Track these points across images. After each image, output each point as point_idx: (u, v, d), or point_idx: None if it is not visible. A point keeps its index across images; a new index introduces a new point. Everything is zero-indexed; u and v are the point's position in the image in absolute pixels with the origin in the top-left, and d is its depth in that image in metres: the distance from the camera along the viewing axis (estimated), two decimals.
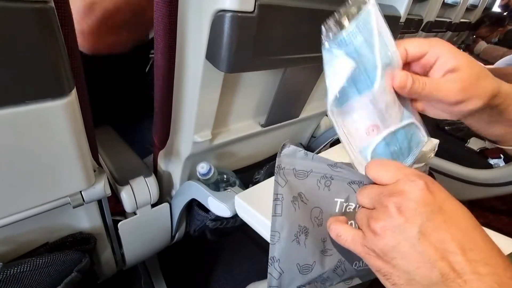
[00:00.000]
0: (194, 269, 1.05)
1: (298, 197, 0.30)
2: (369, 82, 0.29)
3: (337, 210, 0.30)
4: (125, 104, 0.80)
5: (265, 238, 0.37)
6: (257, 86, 0.53)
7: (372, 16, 0.28)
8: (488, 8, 2.08)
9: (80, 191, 0.35)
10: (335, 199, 0.30)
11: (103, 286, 0.69)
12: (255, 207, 0.39)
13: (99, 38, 0.53)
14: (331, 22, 0.28)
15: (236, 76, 0.47)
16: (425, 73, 0.31)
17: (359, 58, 0.28)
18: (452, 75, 0.28)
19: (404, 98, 0.32)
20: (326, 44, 0.28)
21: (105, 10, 0.50)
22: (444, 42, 0.30)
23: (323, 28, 0.28)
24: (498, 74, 1.30)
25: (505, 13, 2.15)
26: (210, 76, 0.40)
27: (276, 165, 0.30)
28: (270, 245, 0.29)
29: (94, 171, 0.40)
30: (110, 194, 0.40)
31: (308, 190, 0.30)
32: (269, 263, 0.29)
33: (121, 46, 0.60)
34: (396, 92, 0.30)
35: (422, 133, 0.34)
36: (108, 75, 0.68)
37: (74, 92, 0.26)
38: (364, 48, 0.28)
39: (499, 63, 1.40)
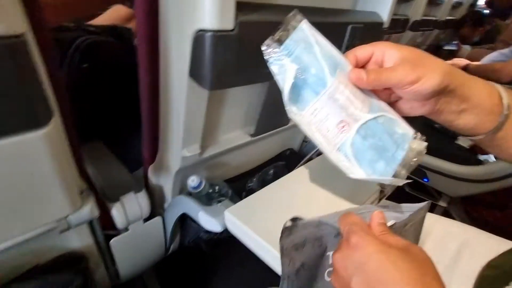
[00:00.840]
0: (192, 279, 1.05)
1: (301, 268, 0.32)
2: (322, 82, 0.32)
3: (330, 263, 0.32)
4: (115, 118, 0.80)
5: (254, 252, 0.37)
6: (244, 97, 0.54)
7: (306, 31, 0.32)
8: (473, 5, 2.11)
9: (66, 216, 0.35)
10: (327, 254, 0.32)
11: None
12: (244, 221, 0.39)
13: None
14: (269, 40, 0.32)
15: (223, 90, 0.47)
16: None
17: (304, 64, 0.32)
18: (400, 60, 0.31)
19: (371, 94, 0.34)
20: (270, 59, 0.32)
21: None
22: (385, 41, 0.33)
23: (263, 47, 0.32)
24: (486, 70, 1.32)
25: (489, 10, 2.19)
26: (195, 92, 0.40)
27: (280, 248, 0.32)
28: None
29: (82, 192, 0.39)
30: (98, 216, 0.40)
31: (308, 257, 0.32)
32: None
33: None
34: (361, 89, 0.33)
35: (403, 126, 0.34)
36: (98, 90, 0.68)
37: (54, 120, 0.26)
38: (305, 55, 0.32)
39: (485, 60, 1.43)
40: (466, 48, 1.82)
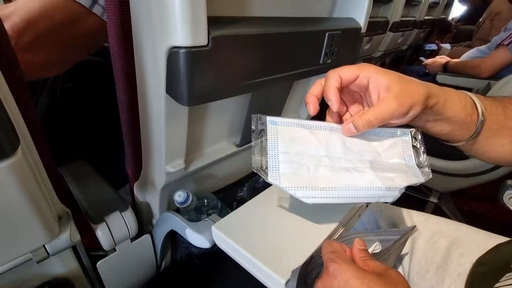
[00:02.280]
0: None
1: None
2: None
3: None
4: (100, 137, 0.78)
5: (244, 267, 0.37)
6: (227, 109, 0.53)
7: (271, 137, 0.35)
8: (448, 4, 2.18)
9: (44, 245, 0.33)
10: None
11: None
12: (232, 237, 0.38)
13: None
14: (258, 167, 0.33)
15: (203, 105, 0.47)
16: (361, 91, 0.36)
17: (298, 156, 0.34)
18: (387, 93, 0.32)
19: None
20: (267, 178, 0.33)
21: (14, 23, 0.44)
22: (371, 65, 0.34)
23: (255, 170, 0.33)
24: (465, 66, 1.36)
25: (463, 9, 2.29)
26: (174, 109, 0.39)
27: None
28: None
29: (61, 217, 0.38)
30: (79, 240, 0.39)
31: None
32: None
33: (42, 67, 0.51)
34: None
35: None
36: (83, 109, 0.67)
37: (20, 149, 0.25)
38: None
39: (464, 57, 1.47)
40: (446, 47, 1.88)
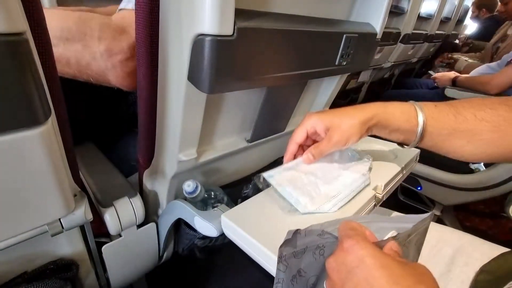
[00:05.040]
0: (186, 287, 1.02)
1: (297, 274, 0.32)
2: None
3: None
4: (107, 120, 0.79)
5: (252, 257, 0.37)
6: (241, 103, 0.54)
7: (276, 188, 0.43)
8: (460, 21, 2.20)
9: (59, 219, 0.34)
10: None
11: None
12: (241, 226, 0.39)
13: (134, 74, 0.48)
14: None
15: (220, 95, 0.48)
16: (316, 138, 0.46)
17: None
18: (329, 132, 0.43)
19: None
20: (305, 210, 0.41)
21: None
22: (313, 114, 0.44)
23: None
24: (474, 82, 1.36)
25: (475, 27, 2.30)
26: (193, 96, 0.40)
27: (278, 255, 0.32)
28: None
29: (75, 195, 0.39)
30: (92, 219, 0.39)
31: (306, 264, 0.32)
32: None
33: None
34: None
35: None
36: (90, 92, 0.67)
37: (50, 119, 0.26)
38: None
39: (473, 73, 1.48)
40: (462, 61, 1.88)
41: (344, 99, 1.51)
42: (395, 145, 0.62)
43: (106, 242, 0.54)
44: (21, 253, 0.42)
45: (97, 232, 0.55)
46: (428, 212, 0.32)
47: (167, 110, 0.44)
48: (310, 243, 0.32)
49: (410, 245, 0.31)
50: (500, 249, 0.49)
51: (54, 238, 0.45)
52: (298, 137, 0.44)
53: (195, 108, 0.42)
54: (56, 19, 0.42)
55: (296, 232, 0.32)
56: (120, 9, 0.45)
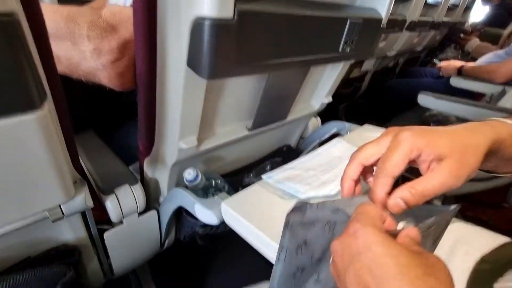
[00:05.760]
0: (186, 275, 1.04)
1: (302, 244, 0.31)
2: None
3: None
4: (108, 108, 0.79)
5: (251, 244, 0.37)
6: (243, 90, 0.53)
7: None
8: (468, 8, 2.13)
9: (59, 205, 0.34)
10: None
11: None
12: (242, 213, 0.39)
13: (130, 74, 0.46)
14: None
15: (220, 81, 0.47)
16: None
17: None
18: (439, 165, 0.27)
19: None
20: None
21: (129, 43, 0.42)
22: (405, 130, 0.29)
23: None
24: (480, 71, 1.33)
25: (485, 13, 2.23)
26: (193, 82, 0.39)
27: (285, 222, 0.31)
28: (270, 279, 0.31)
29: (75, 182, 0.39)
30: (92, 206, 0.39)
31: (313, 237, 0.31)
32: None
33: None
34: None
35: None
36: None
37: (47, 104, 0.25)
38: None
39: (480, 61, 1.44)
40: (475, 41, 1.81)
41: (347, 88, 1.49)
42: None
43: (108, 229, 0.55)
44: (23, 238, 0.42)
45: (99, 219, 0.55)
46: (430, 202, 0.30)
47: (166, 97, 0.43)
48: (322, 216, 0.30)
49: (428, 237, 0.28)
50: (501, 239, 0.49)
51: (56, 224, 0.45)
52: (397, 167, 0.28)
53: (195, 95, 0.42)
54: (44, 15, 0.41)
55: (307, 203, 0.31)
56: (111, 4, 0.43)
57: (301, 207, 0.31)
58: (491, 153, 0.29)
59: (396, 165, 0.28)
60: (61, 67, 0.43)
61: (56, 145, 0.29)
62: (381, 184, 0.28)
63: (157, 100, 0.45)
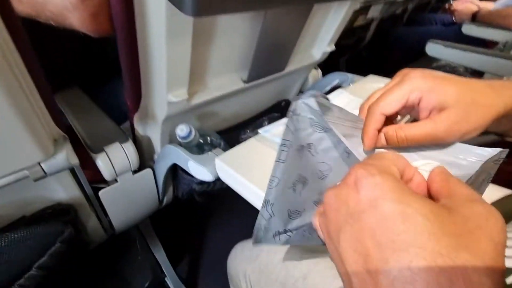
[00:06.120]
0: (187, 229, 1.08)
1: (307, 147, 0.28)
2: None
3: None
4: (93, 63, 0.73)
5: (247, 200, 0.36)
6: (236, 34, 0.47)
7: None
8: None
9: (39, 163, 0.32)
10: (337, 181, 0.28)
11: (97, 251, 0.70)
12: (236, 169, 0.37)
13: (104, 15, 0.39)
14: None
15: (209, 23, 0.41)
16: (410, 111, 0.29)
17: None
18: (439, 115, 0.25)
19: None
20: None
21: None
22: (419, 74, 0.26)
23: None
24: (497, 16, 1.22)
25: None
26: (176, 22, 0.34)
27: (291, 109, 0.27)
28: (267, 188, 0.28)
29: (56, 140, 0.36)
30: (77, 164, 0.37)
31: (323, 146, 0.28)
32: (262, 205, 0.28)
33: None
34: None
35: None
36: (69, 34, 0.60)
37: (6, 53, 0.21)
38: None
39: (497, 5, 1.32)
40: None
41: (350, 38, 1.39)
42: None
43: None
44: (12, 198, 0.41)
45: (94, 179, 0.54)
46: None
47: (149, 42, 0.38)
48: (340, 128, 0.28)
49: (473, 186, 0.23)
50: (504, 191, 0.48)
51: (45, 184, 0.43)
52: (390, 105, 0.26)
53: (181, 38, 0.37)
54: None
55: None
56: None
57: (312, 103, 0.27)
58: (508, 116, 0.25)
59: (389, 103, 0.26)
60: (23, 7, 0.37)
61: (22, 99, 0.25)
62: (371, 120, 0.27)
63: (139, 47, 0.40)
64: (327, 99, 0.31)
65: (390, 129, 0.27)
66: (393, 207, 0.16)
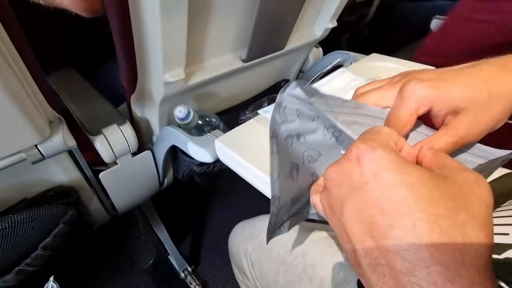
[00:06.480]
0: (189, 209, 1.10)
1: (294, 136, 0.28)
2: None
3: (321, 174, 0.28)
4: (88, 44, 0.71)
5: (247, 181, 0.36)
6: (234, 10, 0.45)
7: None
8: None
9: (36, 146, 0.31)
10: (342, 152, 0.28)
11: (101, 232, 0.71)
12: (236, 150, 0.36)
13: None
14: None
15: (205, 2, 0.39)
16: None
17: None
18: (456, 120, 0.23)
19: None
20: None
21: None
22: (415, 81, 0.24)
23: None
24: None
25: None
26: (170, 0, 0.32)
27: (276, 102, 0.27)
28: (270, 183, 0.28)
29: (51, 122, 0.35)
30: (75, 146, 0.37)
31: (311, 134, 0.28)
32: (271, 202, 0.28)
33: None
34: None
35: None
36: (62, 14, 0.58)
37: None
38: None
39: None
40: None
41: (352, 14, 1.34)
42: (408, 63, 0.55)
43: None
44: (13, 181, 0.41)
45: (94, 161, 0.54)
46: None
47: (142, 19, 0.36)
48: (324, 119, 0.28)
49: None
50: (504, 170, 0.48)
51: (45, 167, 0.43)
52: (403, 130, 0.25)
53: (176, 14, 0.35)
54: None
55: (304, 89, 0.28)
56: None
57: (297, 93, 0.28)
58: None
59: (404, 126, 0.25)
60: None
61: (14, 81, 0.25)
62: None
63: (132, 24, 0.38)
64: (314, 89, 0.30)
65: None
66: (396, 177, 0.17)
